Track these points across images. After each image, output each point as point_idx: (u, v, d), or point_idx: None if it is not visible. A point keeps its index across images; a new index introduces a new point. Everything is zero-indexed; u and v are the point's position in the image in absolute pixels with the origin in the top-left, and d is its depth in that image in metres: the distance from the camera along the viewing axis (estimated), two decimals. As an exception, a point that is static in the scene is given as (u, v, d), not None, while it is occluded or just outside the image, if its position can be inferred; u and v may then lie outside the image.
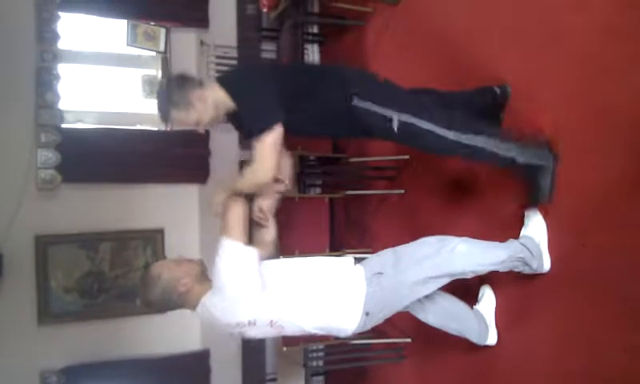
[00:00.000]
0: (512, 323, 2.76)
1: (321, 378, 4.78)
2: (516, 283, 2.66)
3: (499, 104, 2.71)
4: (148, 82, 4.92)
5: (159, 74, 4.92)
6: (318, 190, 4.85)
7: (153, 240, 4.73)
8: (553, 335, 2.52)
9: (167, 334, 4.71)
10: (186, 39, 4.85)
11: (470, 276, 2.40)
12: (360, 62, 4.18)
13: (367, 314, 2.25)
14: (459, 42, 3.13)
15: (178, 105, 2.33)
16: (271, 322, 2.19)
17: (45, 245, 4.41)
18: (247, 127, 2.36)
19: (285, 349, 3.70)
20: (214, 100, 2.38)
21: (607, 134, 2.25)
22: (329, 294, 2.25)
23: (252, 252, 2.15)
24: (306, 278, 2.27)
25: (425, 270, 2.29)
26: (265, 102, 2.35)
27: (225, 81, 2.48)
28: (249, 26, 4.77)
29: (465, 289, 2.84)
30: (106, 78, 4.99)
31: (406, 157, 3.69)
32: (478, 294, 2.86)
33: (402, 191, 3.77)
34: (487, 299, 2.79)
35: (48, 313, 4.42)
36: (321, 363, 4.26)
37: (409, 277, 2.28)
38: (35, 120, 4.35)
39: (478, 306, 2.78)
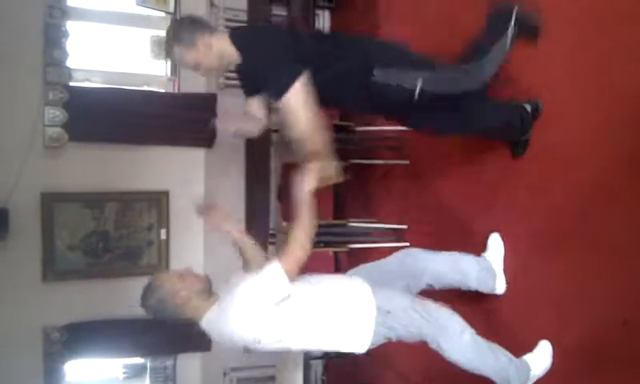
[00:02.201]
0: (515, 280, 2.76)
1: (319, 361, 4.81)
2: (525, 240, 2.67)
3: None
4: (157, 42, 4.87)
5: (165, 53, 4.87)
6: (324, 158, 4.84)
7: (158, 202, 4.73)
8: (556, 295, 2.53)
9: (169, 296, 4.74)
10: (195, 0, 4.79)
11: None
12: (370, 29, 4.14)
13: (373, 344, 2.29)
14: (469, 8, 3.08)
15: (182, 42, 2.34)
16: (278, 340, 2.20)
17: (50, 202, 4.42)
18: (269, 91, 2.34)
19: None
20: (219, 50, 2.37)
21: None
22: (339, 323, 2.25)
23: (289, 289, 2.12)
24: (318, 305, 2.24)
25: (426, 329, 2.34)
26: (281, 64, 2.28)
27: (237, 36, 2.44)
28: (259, -11, 4.73)
29: (471, 236, 2.84)
30: (114, 38, 4.95)
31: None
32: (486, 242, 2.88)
33: (407, 162, 3.76)
34: (495, 247, 2.80)
35: (52, 270, 4.45)
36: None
37: (412, 327, 2.32)
38: (43, 77, 4.32)
39: (485, 255, 2.80)
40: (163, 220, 4.75)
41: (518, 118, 2.61)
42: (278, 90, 2.23)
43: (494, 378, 2.41)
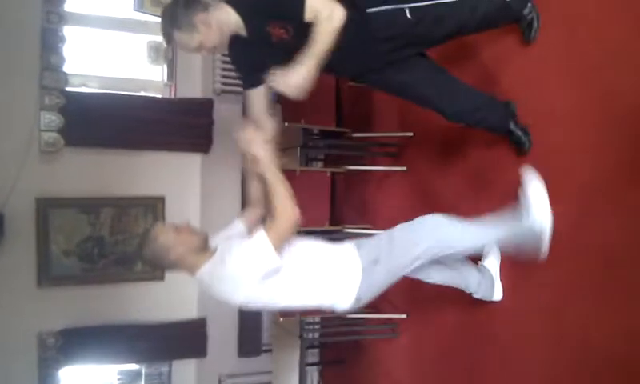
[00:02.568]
0: (511, 293, 2.77)
1: (316, 351, 4.83)
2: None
3: None
4: (154, 48, 4.88)
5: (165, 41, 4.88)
6: (320, 164, 4.85)
7: (154, 207, 4.72)
8: (549, 309, 2.54)
9: (164, 302, 4.74)
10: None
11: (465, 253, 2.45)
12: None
13: (359, 298, 2.34)
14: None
15: (181, 27, 2.29)
16: (265, 304, 2.31)
17: (46, 208, 4.41)
18: (290, 13, 2.27)
19: (281, 319, 3.73)
20: (218, 23, 2.33)
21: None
22: (324, 279, 2.30)
23: (275, 261, 2.14)
24: (303, 262, 2.30)
25: (418, 253, 2.35)
26: None
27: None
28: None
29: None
30: (111, 43, 4.95)
31: (410, 134, 3.68)
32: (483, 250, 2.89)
33: (404, 168, 3.77)
34: (492, 255, 2.81)
35: (48, 275, 4.43)
36: (316, 335, 4.30)
37: (402, 262, 2.35)
38: (39, 82, 4.32)
39: (483, 262, 2.81)
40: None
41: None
42: (296, 10, 2.22)
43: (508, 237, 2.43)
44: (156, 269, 2.27)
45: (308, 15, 2.22)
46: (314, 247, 2.37)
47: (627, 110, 2.19)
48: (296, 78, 2.23)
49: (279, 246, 2.13)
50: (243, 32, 2.37)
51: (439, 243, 2.35)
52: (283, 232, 2.15)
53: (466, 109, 2.66)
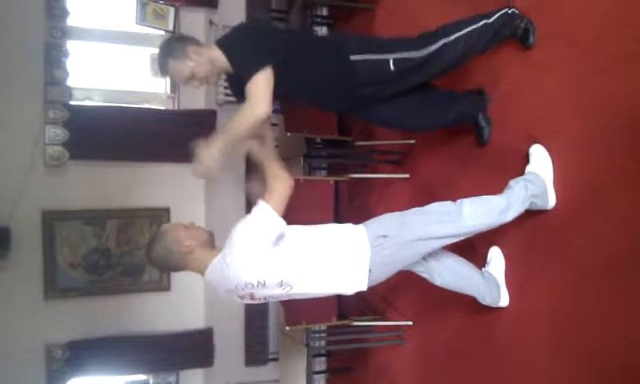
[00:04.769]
0: (517, 299, 2.78)
1: (323, 359, 4.83)
2: (524, 251, 2.70)
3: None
4: (156, 60, 4.91)
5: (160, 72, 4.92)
6: (324, 173, 4.88)
7: (159, 218, 4.75)
8: (554, 311, 2.54)
9: (171, 312, 4.76)
10: (194, 18, 4.84)
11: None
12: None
13: (370, 271, 2.35)
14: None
15: (175, 55, 2.45)
16: (281, 282, 2.27)
17: (51, 220, 4.45)
18: (239, 73, 2.44)
19: (287, 328, 3.74)
20: (210, 56, 2.48)
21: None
22: (336, 258, 2.33)
23: (281, 224, 2.21)
24: (315, 242, 2.34)
25: (428, 234, 2.38)
26: (254, 49, 2.44)
27: (221, 39, 2.59)
28: (258, 7, 4.78)
29: (473, 252, 2.87)
30: (114, 56, 4.99)
31: (412, 141, 3.70)
32: (486, 257, 2.90)
33: (407, 176, 3.79)
34: (496, 261, 2.82)
35: (54, 287, 4.46)
36: (323, 343, 4.31)
37: (412, 240, 2.37)
38: (44, 96, 4.36)
39: (488, 268, 2.83)
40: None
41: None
42: (244, 75, 2.37)
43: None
44: (163, 272, 2.29)
45: (247, 88, 2.37)
46: (322, 230, 2.40)
47: (632, 113, 2.21)
48: (205, 159, 2.31)
49: (280, 210, 2.20)
50: (230, 70, 2.53)
51: (449, 227, 2.38)
52: (281, 196, 2.22)
53: (439, 122, 2.97)
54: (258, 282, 2.23)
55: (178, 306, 4.77)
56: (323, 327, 4.06)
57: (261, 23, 2.96)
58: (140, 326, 4.65)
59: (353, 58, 2.54)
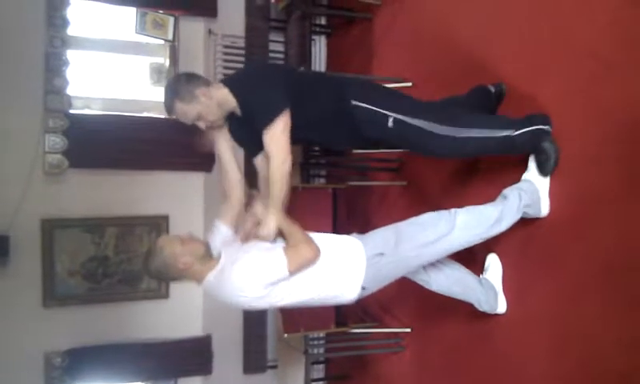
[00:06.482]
0: (515, 305, 2.80)
1: (321, 366, 4.83)
2: (521, 257, 2.72)
3: (494, 102, 2.78)
4: (156, 69, 4.94)
5: (167, 63, 4.95)
6: (322, 180, 4.89)
7: (157, 226, 4.77)
8: (553, 317, 2.56)
9: (169, 319, 4.77)
10: (194, 28, 4.87)
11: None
12: (365, 56, 4.21)
13: (364, 288, 2.41)
14: (464, 39, 3.16)
15: (183, 98, 2.41)
16: (273, 303, 2.37)
17: (51, 228, 4.46)
18: (258, 120, 2.40)
19: (285, 335, 3.75)
20: (218, 98, 2.45)
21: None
22: (331, 271, 2.36)
23: (284, 274, 2.26)
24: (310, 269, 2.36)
25: (424, 249, 2.42)
26: (272, 94, 2.41)
27: (229, 80, 2.58)
28: (257, 16, 4.80)
29: (470, 259, 2.89)
30: (114, 65, 5.01)
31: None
32: (484, 264, 2.92)
33: (405, 183, 3.81)
34: (494, 267, 2.84)
35: (53, 295, 4.47)
36: (321, 351, 4.31)
37: (408, 256, 2.42)
38: (44, 105, 4.38)
39: (485, 275, 2.85)
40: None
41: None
42: (262, 123, 2.36)
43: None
44: (161, 281, 2.32)
45: (268, 137, 2.37)
46: (319, 239, 2.42)
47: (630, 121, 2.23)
48: (270, 227, 2.37)
49: (293, 271, 2.25)
50: (238, 112, 2.50)
51: (444, 242, 2.41)
52: (302, 261, 2.28)
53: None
54: (249, 302, 2.34)
55: (177, 314, 4.78)
56: (322, 334, 4.08)
57: (268, 65, 2.92)
58: (139, 334, 4.65)
59: (354, 103, 2.50)
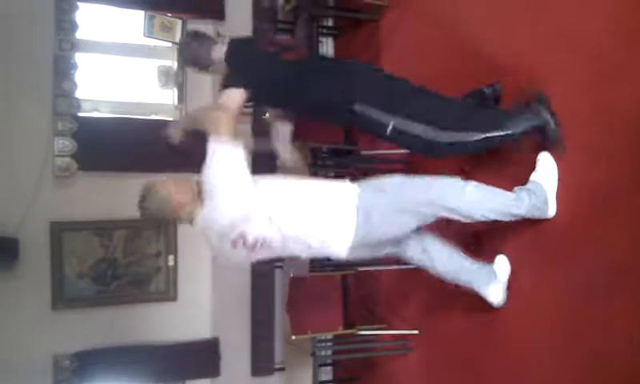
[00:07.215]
0: (524, 304, 2.78)
1: (329, 368, 4.82)
2: (528, 259, 2.70)
3: (492, 103, 2.79)
4: (164, 72, 4.97)
5: (175, 65, 4.97)
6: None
7: (166, 229, 4.78)
8: (561, 317, 2.54)
9: (177, 322, 4.78)
10: (202, 30, 4.88)
11: (470, 220, 2.48)
12: (372, 57, 4.20)
13: (356, 241, 2.40)
14: (471, 41, 3.14)
15: (203, 41, 2.95)
16: (269, 218, 2.34)
17: (60, 231, 4.48)
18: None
19: (293, 337, 3.74)
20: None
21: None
22: (324, 208, 2.41)
23: (239, 152, 2.33)
24: (303, 186, 2.49)
25: (429, 198, 2.44)
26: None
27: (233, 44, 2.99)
28: (264, 18, 4.81)
29: (477, 257, 2.87)
30: (122, 68, 5.04)
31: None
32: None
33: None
34: (502, 266, 2.81)
35: (62, 298, 4.49)
36: (329, 353, 4.30)
37: (408, 204, 2.44)
38: (53, 108, 4.42)
39: (493, 266, 2.82)
40: (171, 246, 4.80)
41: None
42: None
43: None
44: (156, 223, 2.37)
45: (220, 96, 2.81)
46: (313, 183, 2.55)
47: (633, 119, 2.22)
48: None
49: (231, 133, 2.35)
50: None
51: (452, 196, 2.43)
52: (218, 120, 2.39)
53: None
54: (244, 216, 2.31)
55: (185, 316, 4.79)
56: (329, 336, 4.06)
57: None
58: (147, 336, 4.66)
59: (355, 107, 2.60)
